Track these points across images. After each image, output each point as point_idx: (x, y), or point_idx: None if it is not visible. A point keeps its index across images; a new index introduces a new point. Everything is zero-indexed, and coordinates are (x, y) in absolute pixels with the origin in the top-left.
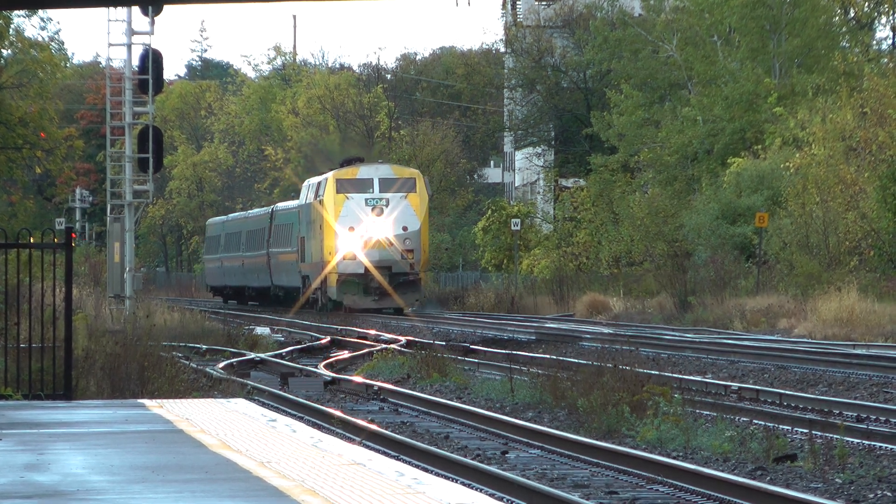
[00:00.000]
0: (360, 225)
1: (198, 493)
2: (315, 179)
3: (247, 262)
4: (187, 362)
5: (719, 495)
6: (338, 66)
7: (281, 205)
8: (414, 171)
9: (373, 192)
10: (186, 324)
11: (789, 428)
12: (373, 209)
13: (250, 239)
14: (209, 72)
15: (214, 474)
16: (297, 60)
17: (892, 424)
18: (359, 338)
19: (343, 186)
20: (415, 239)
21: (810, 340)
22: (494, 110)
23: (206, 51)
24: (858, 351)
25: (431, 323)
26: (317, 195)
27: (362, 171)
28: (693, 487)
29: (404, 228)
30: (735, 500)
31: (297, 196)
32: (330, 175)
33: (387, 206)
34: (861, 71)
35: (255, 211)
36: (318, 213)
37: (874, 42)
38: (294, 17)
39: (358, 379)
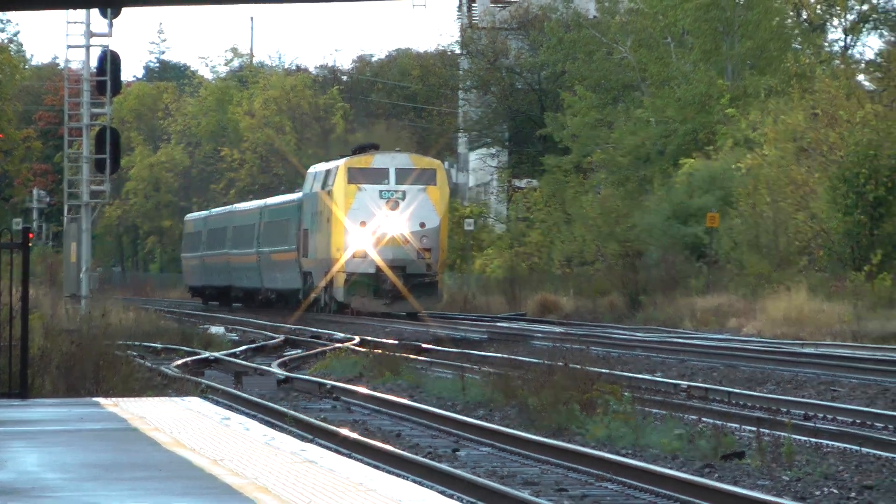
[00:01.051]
0: (373, 219)
1: (151, 490)
2: (323, 167)
3: (234, 260)
4: (142, 361)
5: (668, 493)
6: (294, 67)
7: (274, 198)
8: (434, 161)
9: (388, 184)
10: (142, 323)
11: (737, 426)
12: (387, 202)
13: (238, 235)
14: (167, 73)
15: (168, 472)
16: (254, 62)
17: (838, 422)
18: (312, 337)
19: (355, 176)
20: (433, 237)
21: (759, 339)
22: (449, 111)
23: (163, 53)
24: (807, 350)
25: (385, 323)
26: (324, 185)
27: (377, 160)
28: (642, 485)
29: (422, 225)
30: (684, 497)
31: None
32: (341, 163)
33: (403, 199)
34: (813, 73)
35: (244, 205)
36: (326, 205)
37: (826, 44)
38: (251, 19)
39: (311, 377)
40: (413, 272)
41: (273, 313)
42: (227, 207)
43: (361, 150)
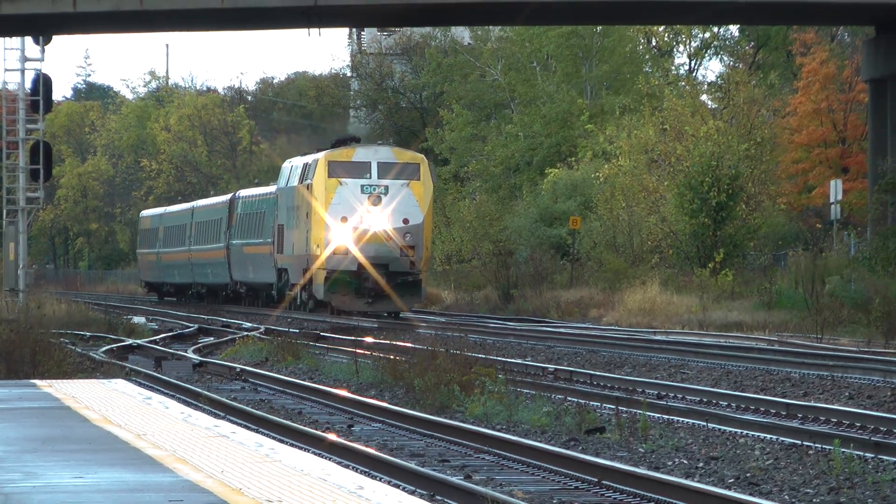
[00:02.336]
0: (355, 215)
1: (83, 461)
2: (300, 160)
3: (196, 255)
4: (73, 347)
5: (538, 463)
6: (205, 88)
7: (246, 191)
8: (418, 155)
9: (370, 178)
10: (73, 314)
11: (599, 404)
12: (369, 197)
13: (201, 230)
14: (92, 93)
15: (97, 445)
16: (170, 83)
17: (687, 401)
18: (223, 326)
19: (335, 170)
20: (417, 234)
21: (617, 328)
22: (342, 127)
23: (89, 75)
24: (658, 337)
25: (286, 314)
26: (303, 178)
27: (358, 154)
28: (515, 456)
29: (405, 221)
30: (551, 467)
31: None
32: (321, 156)
33: (385, 194)
34: (661, 93)
35: (208, 200)
36: (305, 200)
37: (673, 68)
38: (167, 45)
39: (223, 362)
40: (396, 270)
41: (244, 309)
42: (189, 203)
43: (342, 142)
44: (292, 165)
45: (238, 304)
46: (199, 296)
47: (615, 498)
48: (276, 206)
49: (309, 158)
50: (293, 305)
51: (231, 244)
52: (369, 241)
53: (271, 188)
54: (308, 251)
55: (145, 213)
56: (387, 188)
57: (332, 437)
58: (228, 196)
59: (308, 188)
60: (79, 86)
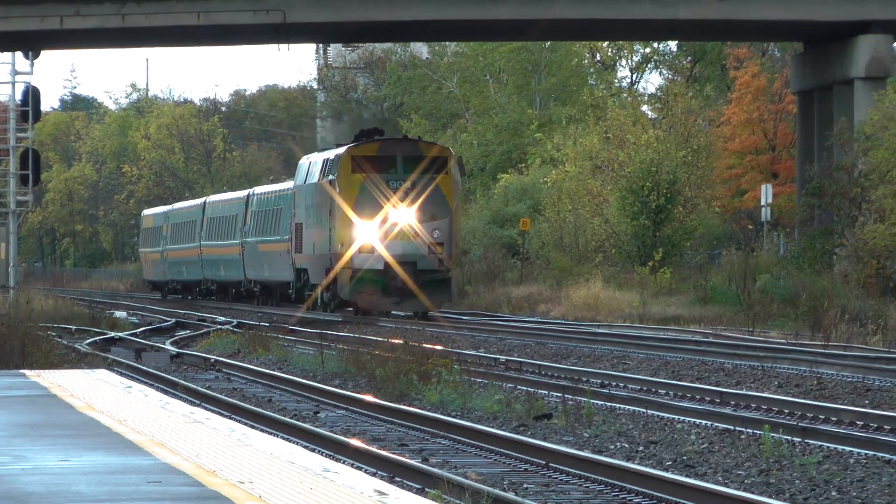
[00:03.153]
0: (380, 211)
1: (68, 445)
2: (319, 156)
3: (208, 252)
4: (60, 340)
5: (490, 447)
6: (182, 99)
7: (262, 188)
8: (445, 148)
9: (395, 173)
10: (59, 309)
11: (547, 392)
12: (395, 193)
13: (214, 227)
14: (78, 104)
15: (82, 430)
16: (149, 95)
17: (629, 389)
18: (198, 320)
19: (360, 164)
20: (445, 230)
21: (563, 321)
22: (309, 136)
23: (75, 87)
24: (602, 330)
25: (257, 310)
26: (324, 174)
27: (383, 147)
28: (469, 440)
29: (433, 217)
30: (503, 450)
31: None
32: (343, 150)
33: (412, 189)
34: (605, 104)
35: (222, 196)
36: (327, 196)
37: (616, 80)
38: (147, 60)
39: (198, 353)
40: (424, 268)
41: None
42: (199, 199)
43: (365, 135)
44: (310, 161)
45: (251, 303)
46: (209, 293)
47: (561, 479)
48: (293, 203)
49: (330, 153)
50: (314, 306)
51: (245, 241)
52: (396, 239)
53: (288, 185)
54: (332, 250)
55: (148, 211)
56: (413, 183)
57: (299, 422)
58: (245, 192)
59: (331, 184)
60: (65, 97)
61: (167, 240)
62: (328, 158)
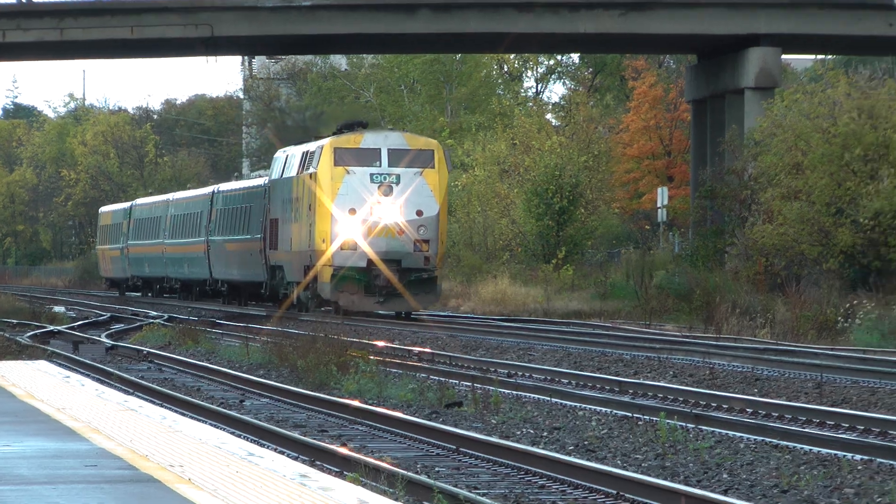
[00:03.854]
0: (364, 206)
1: (10, 432)
2: (297, 148)
3: (171, 249)
4: (2, 333)
5: (404, 432)
6: (117, 108)
7: (227, 185)
8: (432, 141)
9: (380, 166)
10: (1, 304)
11: (457, 382)
12: (379, 187)
13: (178, 224)
14: (19, 113)
15: (23, 418)
16: (86, 104)
17: (534, 379)
18: (132, 314)
19: (342, 157)
20: (431, 226)
21: (473, 315)
22: (235, 142)
23: (17, 97)
24: (509, 323)
25: (187, 304)
26: (304, 167)
27: (367, 139)
28: (384, 426)
29: (419, 213)
30: (416, 436)
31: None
32: (326, 142)
33: (397, 183)
34: (512, 112)
35: (185, 193)
36: (307, 190)
37: (522, 90)
38: (84, 71)
39: (131, 345)
40: (409, 266)
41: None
42: (161, 196)
43: (348, 127)
44: (287, 155)
45: (216, 302)
46: (171, 290)
47: (471, 463)
48: (266, 199)
49: (311, 146)
50: (293, 306)
51: (211, 240)
52: (380, 235)
53: (258, 181)
54: (311, 246)
55: (105, 208)
56: (398, 177)
57: (226, 410)
58: (209, 189)
59: (312, 177)
60: (7, 106)
61: (128, 236)
62: (308, 151)
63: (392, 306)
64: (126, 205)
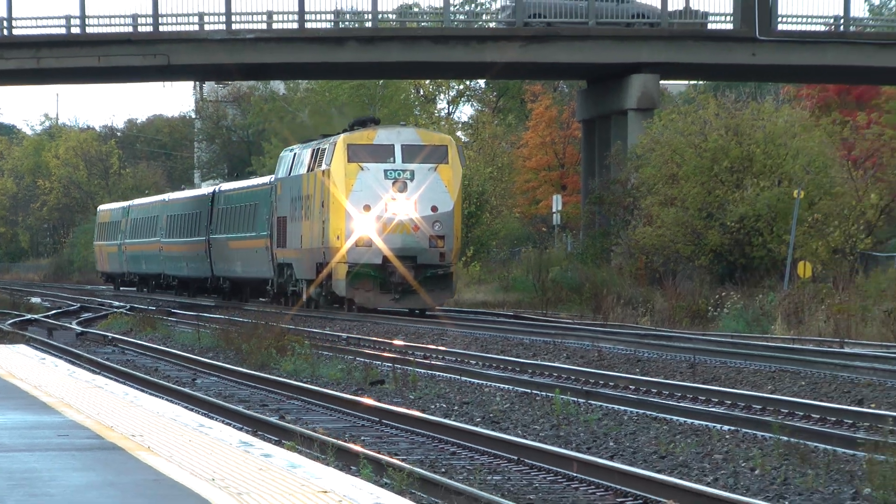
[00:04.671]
0: (378, 203)
1: None
2: (306, 146)
3: (168, 248)
4: None
5: (334, 407)
6: (86, 126)
7: (228, 185)
8: (445, 136)
9: (393, 162)
10: None
11: (380, 363)
12: (394, 183)
13: (176, 223)
14: (1, 130)
15: (3, 394)
16: (59, 123)
17: (447, 360)
18: (99, 305)
19: (356, 153)
20: (447, 222)
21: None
22: (188, 156)
23: None
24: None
25: (147, 296)
26: (316, 163)
27: (380, 135)
28: (316, 401)
29: (433, 209)
30: (344, 409)
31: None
32: (339, 139)
33: (411, 179)
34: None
35: (184, 193)
36: (320, 187)
37: (436, 111)
38: (58, 94)
39: (99, 332)
40: (425, 262)
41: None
42: (159, 196)
43: (361, 124)
44: (295, 153)
45: (217, 298)
46: (168, 286)
47: (392, 433)
48: (273, 197)
49: (322, 143)
50: (305, 304)
51: (213, 238)
52: (395, 232)
53: (264, 179)
54: (325, 243)
55: (104, 207)
56: (413, 173)
57: (180, 387)
58: (208, 189)
59: (325, 174)
60: None
61: (126, 234)
62: (319, 148)
63: (407, 303)
64: (125, 204)
